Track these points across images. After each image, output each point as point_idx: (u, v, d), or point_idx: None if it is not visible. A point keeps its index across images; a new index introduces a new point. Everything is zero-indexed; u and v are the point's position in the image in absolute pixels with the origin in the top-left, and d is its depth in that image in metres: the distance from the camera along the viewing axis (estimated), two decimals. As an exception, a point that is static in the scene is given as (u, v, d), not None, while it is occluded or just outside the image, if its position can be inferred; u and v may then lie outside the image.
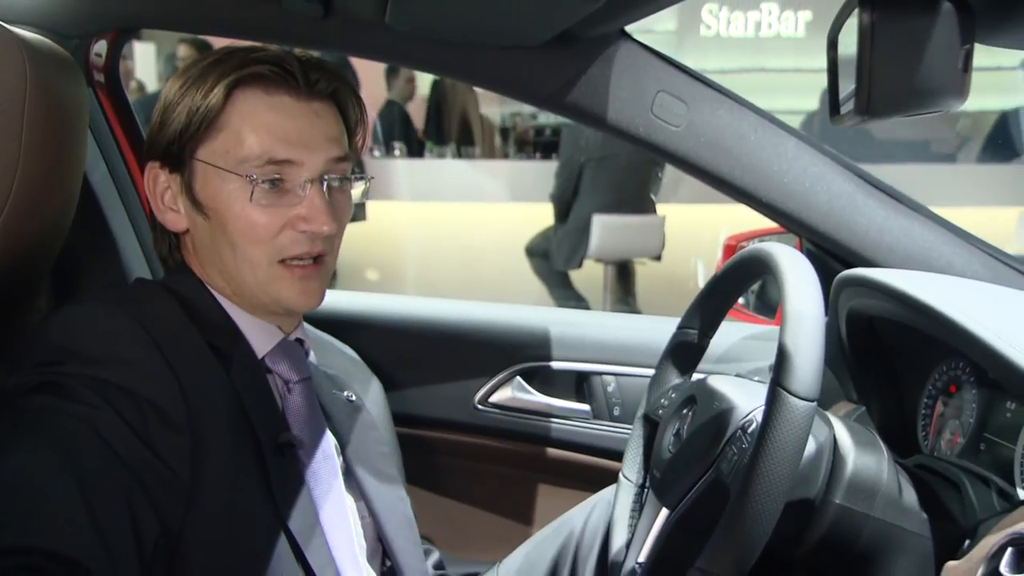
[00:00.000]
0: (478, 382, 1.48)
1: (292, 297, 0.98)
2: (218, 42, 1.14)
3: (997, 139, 5.48)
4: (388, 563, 1.09)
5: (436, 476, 1.54)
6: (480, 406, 1.48)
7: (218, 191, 0.95)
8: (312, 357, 1.09)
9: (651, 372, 1.12)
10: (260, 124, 0.94)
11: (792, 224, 1.22)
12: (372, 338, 1.45)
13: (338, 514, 0.99)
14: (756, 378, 1.03)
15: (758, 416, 0.86)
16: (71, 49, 1.17)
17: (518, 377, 1.48)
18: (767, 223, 1.27)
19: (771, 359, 0.81)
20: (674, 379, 1.10)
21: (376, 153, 6.21)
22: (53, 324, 0.89)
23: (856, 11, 0.74)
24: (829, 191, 1.19)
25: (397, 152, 6.25)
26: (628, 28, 1.18)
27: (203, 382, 0.91)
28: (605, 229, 4.37)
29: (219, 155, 0.95)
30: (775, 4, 7.13)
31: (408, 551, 1.08)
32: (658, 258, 4.71)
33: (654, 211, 4.61)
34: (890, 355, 1.08)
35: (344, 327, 1.36)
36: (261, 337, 1.00)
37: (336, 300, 1.52)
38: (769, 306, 1.47)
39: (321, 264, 1.00)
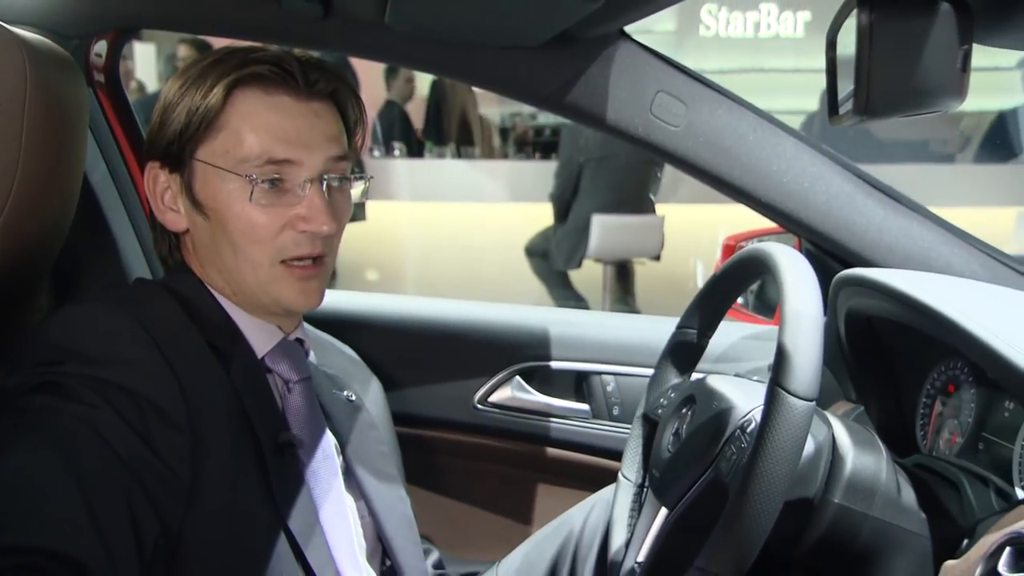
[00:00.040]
0: (478, 382, 1.48)
1: (292, 297, 0.98)
2: (218, 42, 1.14)
3: (995, 139, 5.49)
4: (388, 562, 1.09)
5: (436, 476, 1.55)
6: (480, 406, 1.48)
7: (218, 191, 0.96)
8: (312, 357, 1.09)
9: (650, 372, 1.12)
10: (260, 124, 0.94)
11: (791, 224, 1.22)
12: (372, 338, 1.45)
13: (338, 514, 0.99)
14: (755, 378, 1.04)
15: (757, 416, 0.86)
16: (71, 49, 1.17)
17: (517, 377, 1.48)
18: (766, 223, 1.28)
19: (770, 359, 0.81)
20: (673, 379, 1.10)
21: (376, 153, 6.22)
22: (53, 324, 0.89)
23: (855, 11, 0.74)
24: (828, 191, 1.19)
25: (397, 152, 6.25)
26: (627, 28, 1.18)
27: (203, 382, 0.91)
28: (604, 229, 4.37)
29: (219, 155, 0.95)
30: (774, 4, 7.14)
31: (408, 550, 1.09)
32: (657, 258, 4.71)
33: (653, 211, 4.61)
34: (889, 355, 1.08)
35: (344, 327, 1.37)
36: (261, 337, 1.01)
37: (336, 300, 1.52)
38: (768, 306, 1.48)
39: (321, 264, 1.00)
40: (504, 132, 7.41)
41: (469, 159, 6.71)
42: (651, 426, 1.08)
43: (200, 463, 0.86)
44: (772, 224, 1.26)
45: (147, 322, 0.90)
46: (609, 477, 1.19)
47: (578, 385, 1.49)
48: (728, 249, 1.58)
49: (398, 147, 6.26)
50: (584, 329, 1.51)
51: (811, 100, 5.75)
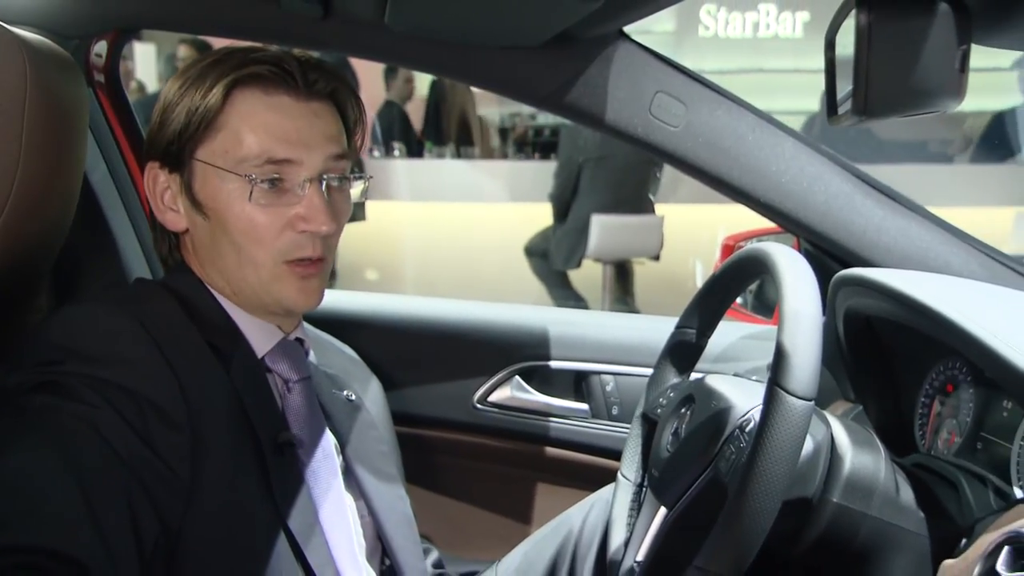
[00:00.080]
0: (477, 381, 1.48)
1: (292, 296, 0.98)
2: (218, 43, 1.14)
3: (993, 139, 5.49)
4: (387, 562, 1.09)
5: (435, 475, 1.55)
6: (479, 405, 1.49)
7: (217, 191, 0.96)
8: (312, 356, 1.09)
9: (649, 371, 1.12)
10: (259, 124, 0.95)
11: (790, 224, 1.22)
12: (371, 337, 1.45)
13: (337, 513, 1.00)
14: (754, 377, 1.04)
15: (756, 415, 0.86)
16: (71, 49, 1.17)
17: (517, 376, 1.48)
18: (765, 223, 1.28)
19: (769, 358, 0.82)
20: (672, 378, 1.10)
21: (376, 153, 6.22)
22: (53, 324, 0.89)
23: (853, 12, 0.74)
24: (827, 191, 1.19)
25: (396, 152, 6.26)
26: (627, 29, 1.18)
27: (203, 381, 0.91)
28: (604, 229, 4.37)
29: (218, 155, 0.95)
30: (773, 5, 7.14)
31: (407, 550, 1.09)
32: (656, 258, 4.72)
33: (652, 211, 4.61)
34: (887, 354, 1.09)
35: (343, 327, 1.37)
36: (261, 336, 1.01)
37: (335, 300, 1.52)
38: (767, 306, 1.48)
39: (321, 263, 1.00)
40: (503, 132, 7.40)
41: (468, 159, 6.71)
42: (650, 426, 1.08)
43: (200, 462, 0.86)
44: (771, 224, 1.26)
45: (147, 322, 0.90)
46: (608, 476, 1.19)
47: (577, 385, 1.49)
48: (727, 249, 1.59)
49: (397, 147, 6.26)
50: (583, 329, 1.51)
51: (810, 100, 5.75)
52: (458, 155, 6.69)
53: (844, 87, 0.81)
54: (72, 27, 1.19)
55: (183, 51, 4.92)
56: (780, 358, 0.75)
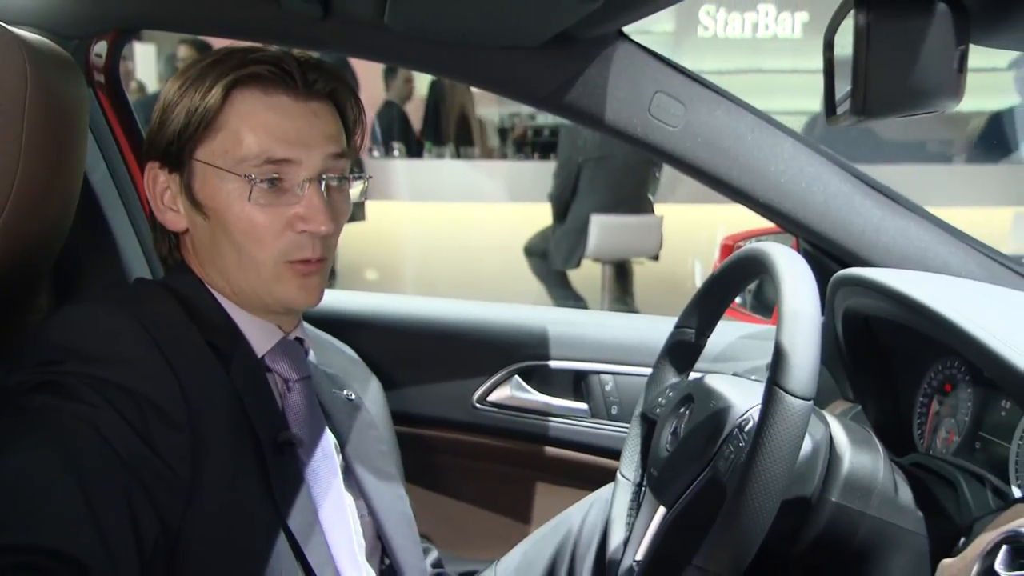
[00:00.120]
0: (476, 381, 1.49)
1: (293, 294, 0.98)
2: (218, 43, 1.15)
3: (991, 139, 5.49)
4: (387, 561, 1.09)
5: (435, 475, 1.55)
6: (478, 405, 1.49)
7: (217, 191, 0.96)
8: (312, 356, 1.10)
9: (648, 371, 1.12)
10: (258, 124, 0.95)
11: (789, 224, 1.22)
12: (371, 337, 1.45)
13: (337, 512, 1.00)
14: (753, 377, 1.04)
15: (755, 415, 0.86)
16: (71, 49, 1.17)
17: (516, 376, 1.48)
18: (764, 223, 1.28)
19: (768, 358, 0.82)
20: (671, 378, 1.10)
21: (375, 153, 6.22)
22: (53, 323, 0.89)
23: (852, 12, 0.74)
24: (826, 191, 1.19)
25: (396, 152, 6.26)
26: (626, 29, 1.18)
27: (203, 381, 0.91)
28: (603, 229, 4.37)
29: (218, 155, 0.95)
30: (772, 5, 7.14)
31: (407, 549, 1.09)
32: (656, 258, 4.72)
33: (652, 211, 4.62)
34: (886, 354, 1.09)
35: (343, 326, 1.37)
36: (261, 336, 1.01)
37: (335, 299, 1.52)
38: (766, 305, 1.48)
39: (322, 262, 1.00)
40: (503, 132, 7.41)
41: (468, 159, 6.71)
42: (649, 425, 1.08)
43: (200, 462, 0.86)
44: (770, 224, 1.26)
45: (147, 322, 0.90)
46: (607, 476, 1.19)
47: (577, 384, 1.49)
48: (726, 249, 1.59)
49: (397, 147, 6.27)
50: (583, 329, 1.52)
51: (809, 101, 5.75)
52: (457, 155, 6.69)
53: (843, 87, 0.81)
54: (72, 27, 1.19)
55: (183, 51, 4.92)
56: (779, 358, 0.75)
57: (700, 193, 1.43)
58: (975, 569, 0.69)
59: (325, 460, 1.00)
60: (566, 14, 1.03)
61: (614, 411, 1.46)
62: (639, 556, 1.04)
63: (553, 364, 1.48)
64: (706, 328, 1.09)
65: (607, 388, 1.46)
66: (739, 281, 1.04)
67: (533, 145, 7.17)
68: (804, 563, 0.89)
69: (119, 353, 0.86)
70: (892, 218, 1.19)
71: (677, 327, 1.10)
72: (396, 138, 6.24)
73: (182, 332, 0.94)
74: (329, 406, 1.07)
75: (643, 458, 1.10)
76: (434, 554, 1.32)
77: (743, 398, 0.89)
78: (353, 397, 1.13)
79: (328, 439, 1.03)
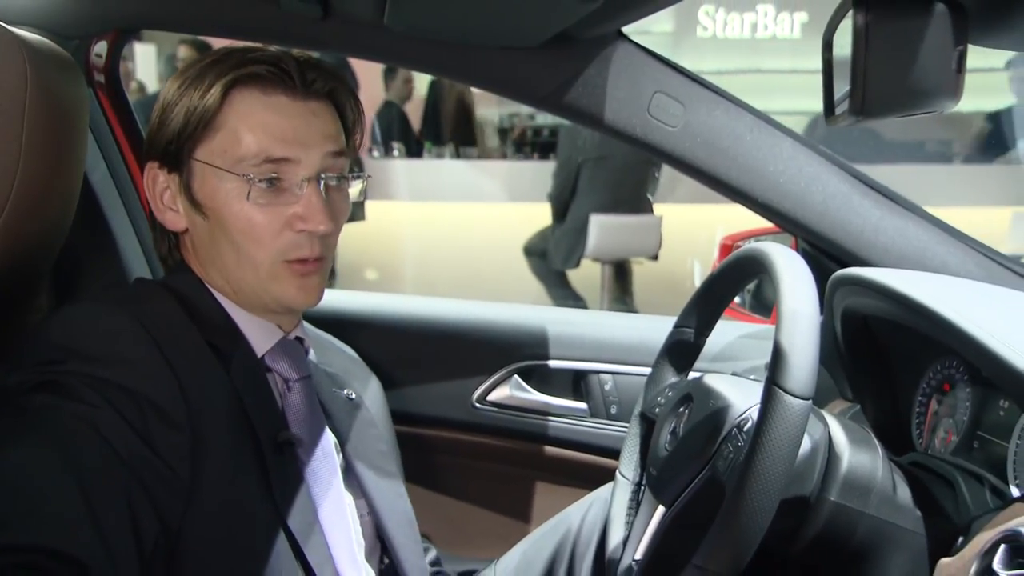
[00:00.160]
0: (476, 380, 1.49)
1: (292, 294, 0.98)
2: (218, 43, 1.15)
3: (989, 139, 5.50)
4: (386, 561, 1.10)
5: (434, 474, 1.55)
6: (478, 404, 1.49)
7: (216, 190, 0.96)
8: (312, 355, 1.10)
9: (648, 371, 1.13)
10: (257, 123, 0.95)
11: (788, 224, 1.22)
12: (371, 337, 1.45)
13: (337, 512, 1.00)
14: (752, 376, 1.04)
15: (754, 414, 0.86)
16: (71, 50, 1.17)
17: (516, 376, 1.48)
18: (763, 223, 1.28)
19: (767, 358, 0.82)
20: (670, 378, 1.10)
21: (375, 154, 6.22)
22: (54, 323, 0.89)
23: (851, 12, 0.75)
24: (825, 191, 1.19)
25: (396, 152, 6.26)
26: (625, 29, 1.18)
27: (203, 381, 0.91)
28: (603, 229, 4.37)
29: (216, 155, 0.95)
30: (771, 6, 7.14)
31: (408, 547, 1.09)
32: (655, 258, 4.72)
33: (651, 211, 4.62)
34: (885, 354, 1.09)
35: (343, 326, 1.37)
36: (261, 336, 1.01)
37: (335, 299, 1.52)
38: (765, 305, 1.48)
39: (321, 262, 1.00)
40: (502, 132, 7.41)
41: (468, 159, 6.72)
42: (648, 425, 1.08)
43: (200, 462, 0.87)
44: (769, 224, 1.26)
45: (147, 321, 0.90)
46: (607, 475, 1.19)
47: (576, 384, 1.49)
48: (725, 249, 1.59)
49: (397, 147, 6.27)
50: (582, 328, 1.52)
51: (808, 101, 5.75)
52: (457, 155, 6.69)
53: (841, 87, 0.81)
54: (72, 27, 1.19)
55: (183, 51, 4.92)
56: (778, 357, 0.76)
57: (699, 193, 1.43)
58: (973, 568, 0.70)
59: (325, 459, 1.00)
60: (565, 14, 1.03)
61: (613, 410, 1.46)
62: (638, 555, 1.05)
63: (552, 364, 1.48)
64: (705, 328, 1.09)
65: (606, 388, 1.46)
66: (738, 281, 1.04)
67: (533, 145, 7.18)
68: (803, 562, 0.89)
69: (119, 353, 0.87)
70: (891, 218, 1.19)
71: (676, 327, 1.10)
72: (396, 138, 6.24)
73: (182, 332, 0.94)
74: (329, 405, 1.07)
75: (642, 457, 1.10)
76: (432, 553, 1.32)
77: (742, 398, 0.89)
78: (353, 396, 1.13)
79: (328, 438, 1.03)
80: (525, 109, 6.80)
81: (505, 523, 1.55)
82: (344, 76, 1.04)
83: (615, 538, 1.08)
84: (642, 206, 4.55)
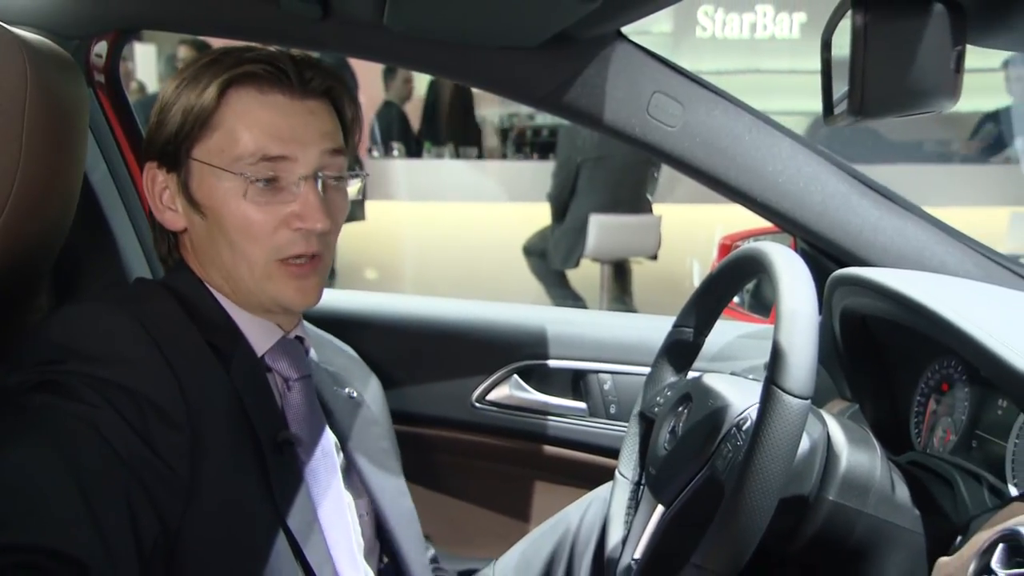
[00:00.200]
0: (476, 380, 1.49)
1: (289, 295, 0.98)
2: (218, 43, 1.15)
3: (989, 139, 5.51)
4: (385, 560, 1.10)
5: (434, 473, 1.55)
6: (478, 404, 1.49)
7: (213, 189, 0.96)
8: (313, 354, 1.10)
9: (647, 370, 1.13)
10: (253, 122, 0.95)
11: (787, 224, 1.23)
12: (370, 336, 1.45)
13: (336, 512, 1.00)
14: (751, 376, 1.04)
15: (753, 414, 0.86)
16: (71, 50, 1.17)
17: (515, 375, 1.48)
18: (762, 223, 1.28)
19: (766, 357, 0.82)
20: (669, 377, 1.10)
21: (375, 154, 6.23)
22: (53, 323, 0.89)
23: (849, 12, 0.75)
24: (823, 191, 1.19)
25: (395, 153, 6.26)
26: (624, 29, 1.19)
27: (202, 381, 0.91)
28: (602, 229, 4.38)
29: (214, 154, 0.95)
30: (770, 6, 7.15)
31: (411, 544, 1.09)
32: (654, 257, 4.72)
33: (650, 211, 4.62)
34: (883, 353, 1.09)
35: (342, 326, 1.37)
36: (260, 335, 1.01)
37: (334, 299, 1.52)
38: (764, 305, 1.48)
39: (318, 261, 1.00)
40: (502, 132, 7.41)
41: (467, 159, 6.72)
42: (647, 424, 1.09)
43: (199, 462, 0.87)
44: (768, 224, 1.27)
45: (147, 321, 0.90)
46: (606, 475, 1.19)
47: (575, 383, 1.50)
48: (724, 248, 1.59)
49: (396, 147, 6.27)
50: (581, 328, 1.52)
51: (806, 101, 5.75)
52: (457, 155, 6.70)
53: (840, 87, 0.81)
54: (72, 27, 1.20)
55: (183, 52, 4.91)
56: (777, 357, 0.76)
57: (698, 193, 1.44)
58: (972, 567, 0.70)
59: (324, 459, 1.01)
60: (565, 14, 1.03)
61: (612, 410, 1.46)
62: (637, 554, 1.05)
63: (552, 363, 1.48)
64: (704, 327, 1.09)
65: (605, 387, 1.47)
66: (737, 281, 1.04)
67: (532, 145, 7.18)
68: (801, 561, 0.90)
69: (119, 353, 0.87)
70: (889, 218, 1.19)
71: (675, 326, 1.10)
72: (395, 138, 6.25)
73: (182, 332, 0.94)
74: (331, 403, 1.07)
75: (641, 457, 1.10)
76: (431, 552, 1.32)
77: (741, 397, 0.90)
78: (355, 394, 1.13)
79: (328, 438, 1.03)
80: (524, 109, 6.81)
81: (504, 522, 1.55)
82: (342, 75, 1.04)
83: (614, 537, 1.08)
84: (641, 206, 4.55)
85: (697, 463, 0.89)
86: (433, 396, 1.49)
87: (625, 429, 1.13)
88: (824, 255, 1.23)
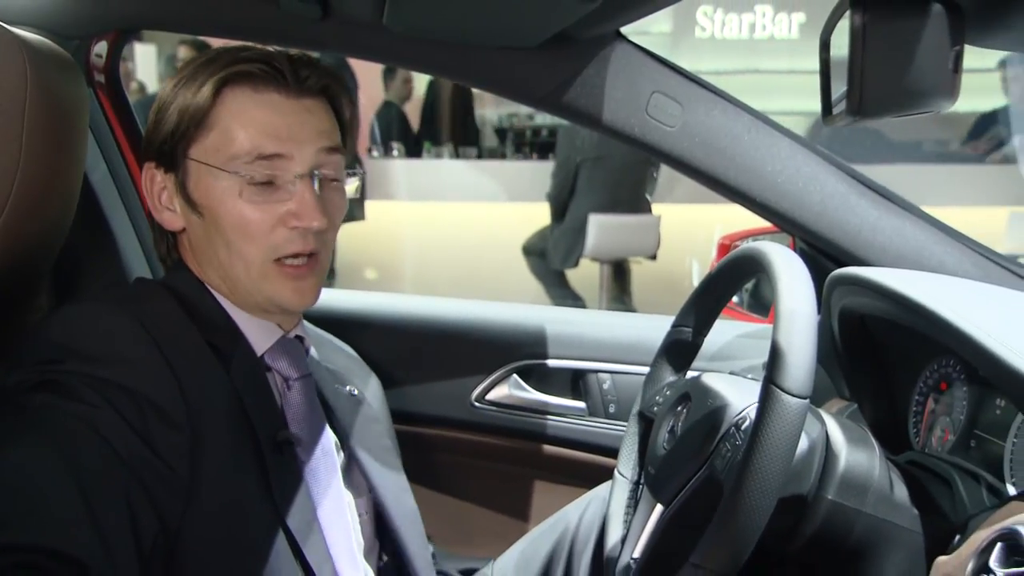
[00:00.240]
0: (475, 379, 1.49)
1: (286, 296, 0.98)
2: (218, 43, 1.15)
3: (988, 139, 5.51)
4: (385, 559, 1.10)
5: (433, 473, 1.55)
6: (477, 403, 1.49)
7: (210, 189, 0.96)
8: (313, 352, 1.10)
9: (646, 370, 1.13)
10: (249, 120, 0.95)
11: (786, 224, 1.23)
12: (370, 336, 1.45)
13: (336, 511, 1.00)
14: (749, 376, 1.04)
15: (751, 413, 0.86)
16: (72, 50, 1.17)
17: (515, 375, 1.49)
18: (761, 222, 1.28)
19: (764, 357, 0.82)
20: (669, 377, 1.10)
21: (375, 154, 6.23)
22: (53, 323, 0.89)
23: (848, 13, 0.75)
24: (822, 191, 1.20)
25: (395, 152, 6.26)
26: (623, 29, 1.19)
27: (202, 380, 0.91)
28: (601, 228, 4.38)
29: (210, 153, 0.95)
30: (769, 6, 7.15)
31: (414, 541, 1.10)
32: (653, 257, 4.73)
33: (649, 211, 4.62)
34: (882, 353, 1.09)
35: (342, 325, 1.37)
36: (260, 335, 1.01)
37: (334, 298, 1.53)
38: (763, 304, 1.48)
39: (315, 262, 1.00)
40: (501, 132, 7.41)
41: (467, 159, 6.72)
42: (647, 423, 1.09)
43: (199, 461, 0.87)
44: (767, 224, 1.27)
45: (147, 321, 0.90)
46: (605, 474, 1.19)
47: (574, 383, 1.50)
48: (723, 248, 1.59)
49: (396, 147, 6.27)
50: (581, 327, 1.52)
51: (806, 101, 5.75)
52: (456, 155, 6.70)
53: (839, 87, 0.82)
54: (72, 27, 1.20)
55: (183, 52, 4.91)
56: (776, 356, 0.76)
57: (697, 193, 1.44)
58: (970, 566, 0.70)
59: (324, 458, 1.01)
60: (564, 14, 1.03)
61: (612, 409, 1.47)
62: (636, 554, 1.05)
63: (551, 363, 1.48)
64: (703, 327, 1.09)
65: (605, 387, 1.47)
66: (736, 280, 1.05)
67: (531, 145, 7.18)
68: (800, 560, 0.90)
69: (119, 353, 0.87)
70: (888, 217, 1.19)
71: (674, 326, 1.10)
72: (395, 138, 6.24)
73: (182, 332, 0.94)
74: (332, 401, 1.07)
75: (640, 456, 1.10)
76: (430, 551, 1.32)
77: (740, 397, 0.90)
78: (356, 392, 1.13)
79: (328, 437, 1.03)
80: (524, 109, 6.81)
81: (503, 521, 1.55)
82: (340, 74, 1.04)
83: (613, 537, 1.09)
84: (640, 206, 4.56)
85: (696, 462, 0.89)
86: (433, 396, 1.49)
87: (624, 428, 1.13)
88: (823, 255, 1.23)
